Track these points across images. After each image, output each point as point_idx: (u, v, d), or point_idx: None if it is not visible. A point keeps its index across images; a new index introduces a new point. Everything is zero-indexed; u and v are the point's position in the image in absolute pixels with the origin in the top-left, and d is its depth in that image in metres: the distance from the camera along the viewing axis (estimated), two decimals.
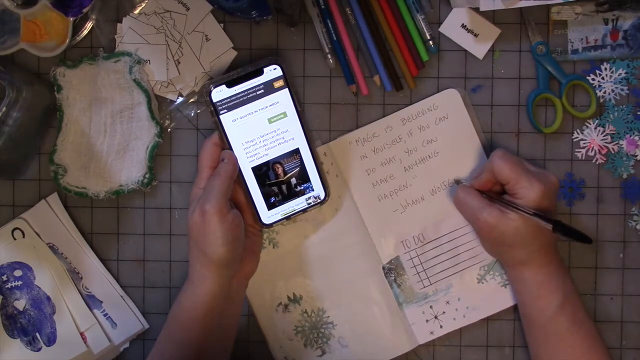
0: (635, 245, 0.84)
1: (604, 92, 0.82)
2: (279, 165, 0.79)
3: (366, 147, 0.83)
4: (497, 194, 0.79)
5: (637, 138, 0.82)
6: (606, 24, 0.82)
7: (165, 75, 0.82)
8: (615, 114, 0.82)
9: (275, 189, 0.80)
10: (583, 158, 0.83)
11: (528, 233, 0.75)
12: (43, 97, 0.82)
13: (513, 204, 0.75)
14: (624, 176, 0.83)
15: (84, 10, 0.80)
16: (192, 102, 0.84)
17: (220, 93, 0.78)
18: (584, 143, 0.83)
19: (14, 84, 0.76)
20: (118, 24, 0.82)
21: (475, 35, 0.82)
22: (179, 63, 0.82)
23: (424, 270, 0.84)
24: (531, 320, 0.79)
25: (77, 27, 0.82)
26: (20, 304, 0.83)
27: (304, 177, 0.80)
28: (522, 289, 0.79)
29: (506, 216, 0.75)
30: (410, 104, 0.83)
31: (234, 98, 0.78)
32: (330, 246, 0.84)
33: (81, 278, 0.84)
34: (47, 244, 0.84)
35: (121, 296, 0.85)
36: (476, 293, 0.83)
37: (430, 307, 0.84)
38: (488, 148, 0.83)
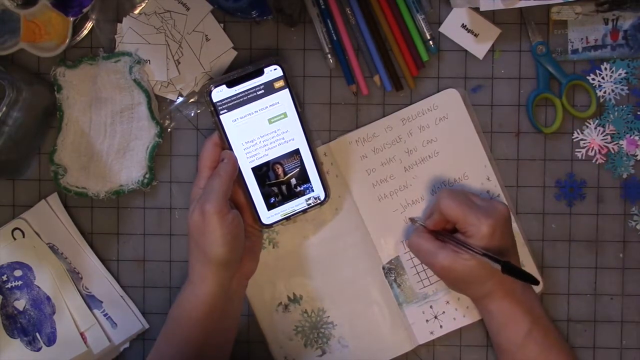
0: (635, 245, 0.84)
1: (604, 92, 0.82)
2: (279, 166, 0.79)
3: (366, 147, 0.83)
4: (449, 232, 0.78)
5: (637, 138, 0.82)
6: (606, 24, 0.82)
7: (165, 75, 0.82)
8: (615, 114, 0.82)
9: (275, 189, 0.80)
10: (583, 158, 0.83)
11: (482, 270, 0.75)
12: (43, 97, 0.82)
13: (464, 244, 0.74)
14: (624, 176, 0.83)
15: (84, 10, 0.79)
16: (192, 102, 0.84)
17: (220, 93, 0.78)
18: (584, 143, 0.83)
19: (14, 84, 0.76)
20: (118, 24, 0.82)
21: (475, 35, 0.82)
22: (179, 63, 0.82)
23: (424, 270, 0.84)
24: (501, 349, 0.79)
25: (77, 27, 0.82)
26: (20, 304, 0.83)
27: (304, 177, 0.80)
28: (489, 320, 0.79)
29: (459, 257, 0.74)
30: (410, 104, 0.83)
31: (234, 98, 0.78)
32: (331, 246, 0.84)
33: (81, 278, 0.84)
34: (47, 244, 0.83)
35: (121, 296, 0.85)
36: None
37: (430, 307, 0.84)
38: (488, 148, 0.83)
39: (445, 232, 0.79)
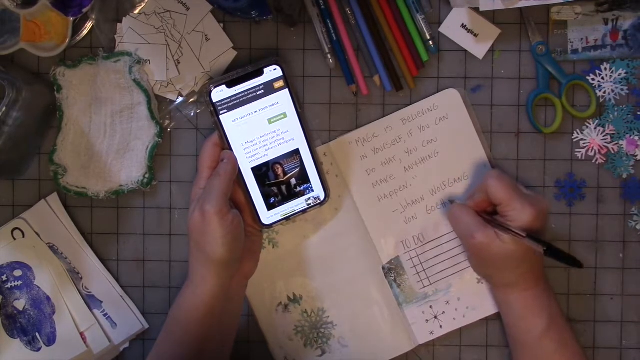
0: (635, 245, 0.84)
1: (604, 92, 0.82)
2: (278, 166, 0.79)
3: (366, 147, 0.83)
4: (489, 214, 0.79)
5: (637, 138, 0.82)
6: (606, 24, 0.82)
7: (165, 75, 0.82)
8: (615, 114, 0.82)
9: (275, 189, 0.80)
10: (583, 158, 0.83)
11: (518, 256, 0.75)
12: (43, 97, 0.82)
13: (507, 225, 0.75)
14: (624, 176, 0.83)
15: (84, 10, 0.79)
16: (192, 102, 0.84)
17: (220, 93, 0.78)
18: (584, 143, 0.83)
19: (14, 84, 0.76)
20: (118, 24, 0.82)
21: (475, 35, 0.82)
22: (179, 63, 0.82)
23: (424, 270, 0.84)
24: (518, 342, 0.79)
25: (77, 27, 0.82)
26: (20, 304, 0.83)
27: (304, 177, 0.80)
28: (508, 311, 0.79)
29: (500, 238, 0.75)
30: (410, 104, 0.83)
31: (234, 98, 0.78)
32: (330, 246, 0.84)
33: (81, 278, 0.84)
34: (47, 244, 0.84)
35: (121, 296, 0.85)
36: (476, 293, 0.83)
37: (430, 307, 0.84)
38: (488, 148, 0.83)
39: (485, 214, 0.78)
